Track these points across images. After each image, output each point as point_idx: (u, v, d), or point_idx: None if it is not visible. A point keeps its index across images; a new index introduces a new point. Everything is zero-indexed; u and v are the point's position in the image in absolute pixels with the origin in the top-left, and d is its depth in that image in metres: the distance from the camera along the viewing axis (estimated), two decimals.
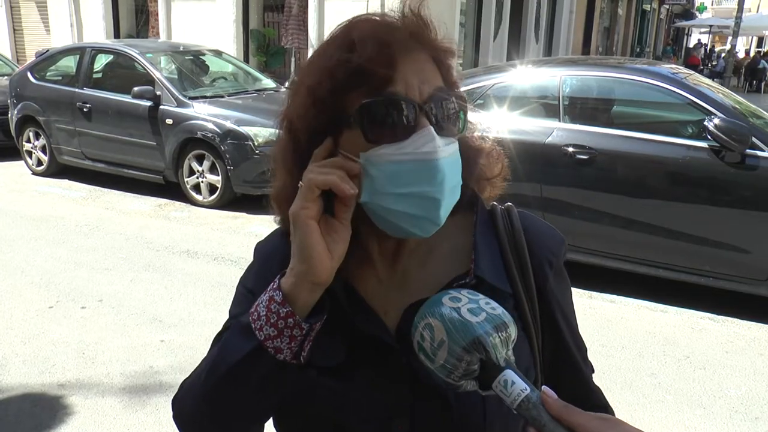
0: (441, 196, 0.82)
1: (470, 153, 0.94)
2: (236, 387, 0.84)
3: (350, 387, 0.87)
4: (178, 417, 0.93)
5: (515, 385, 0.73)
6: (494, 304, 0.78)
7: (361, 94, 0.81)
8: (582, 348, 1.01)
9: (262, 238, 1.03)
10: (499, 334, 0.75)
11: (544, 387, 0.73)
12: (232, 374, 0.84)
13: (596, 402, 1.02)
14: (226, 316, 0.98)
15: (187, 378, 0.95)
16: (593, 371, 1.04)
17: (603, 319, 4.34)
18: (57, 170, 8.13)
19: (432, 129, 0.81)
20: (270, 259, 0.97)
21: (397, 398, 0.87)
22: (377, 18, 0.86)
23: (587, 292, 4.72)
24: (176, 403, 0.94)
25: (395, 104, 0.81)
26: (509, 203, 1.00)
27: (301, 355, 0.83)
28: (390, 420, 0.88)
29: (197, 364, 0.92)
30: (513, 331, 0.77)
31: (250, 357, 0.82)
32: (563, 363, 0.98)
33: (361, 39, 0.82)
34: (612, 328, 4.25)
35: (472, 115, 0.91)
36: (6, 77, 9.70)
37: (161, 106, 7.00)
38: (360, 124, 0.82)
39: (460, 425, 0.87)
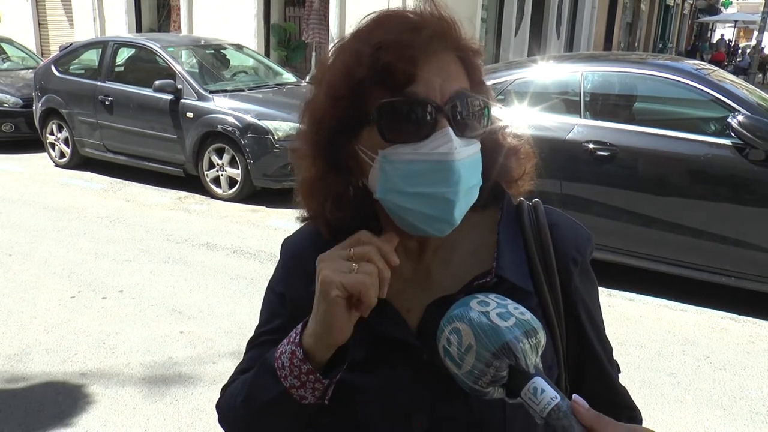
0: (455, 198, 0.81)
1: (499, 152, 0.93)
2: (268, 420, 0.89)
3: (371, 383, 0.88)
4: (222, 423, 0.99)
5: (545, 393, 0.71)
6: (523, 308, 0.77)
7: (381, 93, 0.81)
8: (608, 348, 1.00)
9: (282, 231, 1.04)
10: (529, 340, 0.74)
11: (574, 395, 0.72)
12: (263, 410, 0.88)
13: (622, 403, 1.01)
14: (245, 309, 1.00)
15: (227, 385, 1.00)
16: (619, 371, 1.02)
17: (622, 317, 4.31)
18: (79, 162, 8.23)
19: (450, 130, 0.80)
20: (299, 258, 0.98)
21: (417, 395, 0.88)
22: (399, 17, 0.85)
23: (606, 289, 4.68)
24: (219, 410, 0.99)
25: (414, 104, 0.81)
26: (537, 199, 0.99)
27: (326, 397, 0.85)
28: (409, 417, 0.88)
29: (222, 361, 0.95)
30: (542, 337, 0.76)
31: (278, 399, 0.85)
32: (588, 363, 0.96)
33: (383, 39, 0.81)
34: (631, 326, 4.21)
35: (501, 113, 0.90)
36: (31, 70, 9.85)
37: (182, 100, 7.05)
38: (378, 123, 0.81)
39: (479, 423, 0.87)
